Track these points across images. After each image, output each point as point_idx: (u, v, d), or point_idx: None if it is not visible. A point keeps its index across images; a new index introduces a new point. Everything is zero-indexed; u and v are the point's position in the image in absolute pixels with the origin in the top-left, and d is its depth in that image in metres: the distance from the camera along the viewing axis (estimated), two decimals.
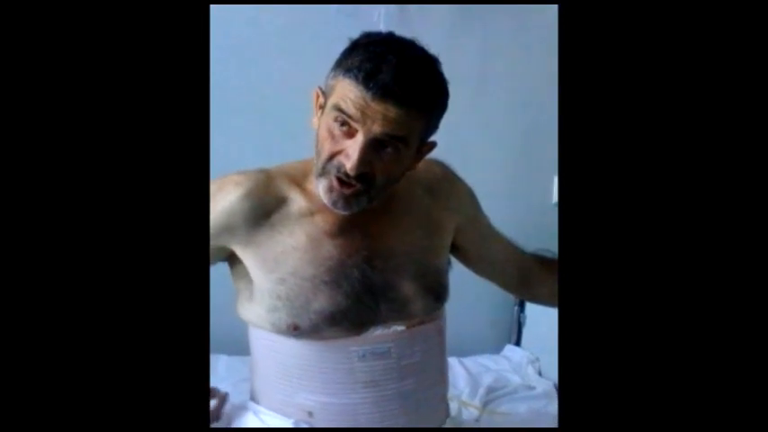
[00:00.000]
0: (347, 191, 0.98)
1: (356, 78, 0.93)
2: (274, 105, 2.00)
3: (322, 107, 1.00)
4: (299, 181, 1.07)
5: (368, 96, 0.92)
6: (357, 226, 1.05)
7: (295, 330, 1.03)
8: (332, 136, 0.96)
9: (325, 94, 0.99)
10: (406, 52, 0.96)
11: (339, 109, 0.94)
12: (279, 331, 1.05)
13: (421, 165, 1.13)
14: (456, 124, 2.07)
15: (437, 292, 1.11)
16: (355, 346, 1.04)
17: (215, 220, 1.03)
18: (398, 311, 1.06)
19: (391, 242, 1.08)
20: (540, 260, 1.28)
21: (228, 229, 1.04)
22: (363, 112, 0.93)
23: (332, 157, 0.97)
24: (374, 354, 1.04)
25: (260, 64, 2.04)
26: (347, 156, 0.95)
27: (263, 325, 1.07)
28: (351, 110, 0.93)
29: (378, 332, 1.05)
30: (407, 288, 1.07)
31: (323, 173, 0.99)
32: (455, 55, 2.10)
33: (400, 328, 1.07)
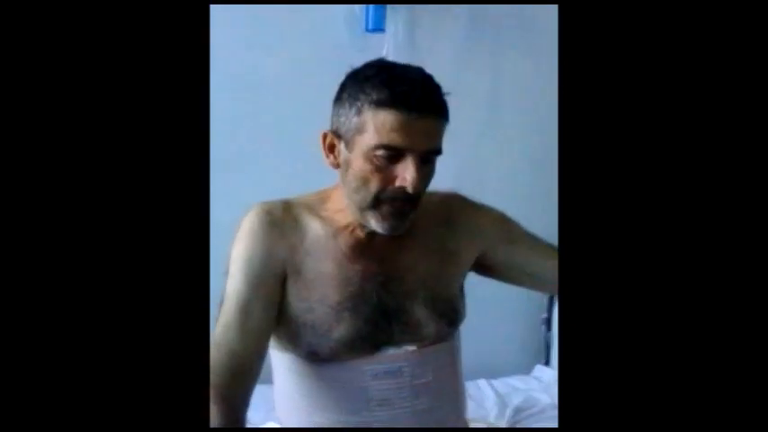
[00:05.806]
0: (409, 208, 1.01)
1: (393, 105, 0.95)
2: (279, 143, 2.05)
3: (332, 148, 1.03)
4: (315, 209, 1.10)
5: (411, 117, 0.96)
6: (373, 251, 1.09)
7: (314, 357, 1.07)
8: (378, 170, 0.99)
9: (340, 135, 1.02)
10: (418, 69, 1.02)
11: (385, 146, 0.97)
12: (297, 356, 1.09)
13: (438, 197, 1.15)
14: (469, 147, 2.11)
15: (450, 317, 1.13)
16: (369, 366, 1.07)
17: (261, 255, 1.04)
18: (411, 333, 1.09)
19: (404, 267, 1.10)
20: None
21: (274, 256, 1.05)
22: (409, 135, 0.96)
23: (383, 188, 1.00)
24: (387, 373, 1.07)
25: (267, 103, 2.06)
26: (404, 179, 0.97)
27: (282, 349, 1.11)
28: (397, 140, 0.96)
29: (390, 352, 1.08)
30: (419, 312, 1.09)
31: (375, 205, 1.01)
32: (466, 77, 2.13)
33: (411, 348, 1.09)
